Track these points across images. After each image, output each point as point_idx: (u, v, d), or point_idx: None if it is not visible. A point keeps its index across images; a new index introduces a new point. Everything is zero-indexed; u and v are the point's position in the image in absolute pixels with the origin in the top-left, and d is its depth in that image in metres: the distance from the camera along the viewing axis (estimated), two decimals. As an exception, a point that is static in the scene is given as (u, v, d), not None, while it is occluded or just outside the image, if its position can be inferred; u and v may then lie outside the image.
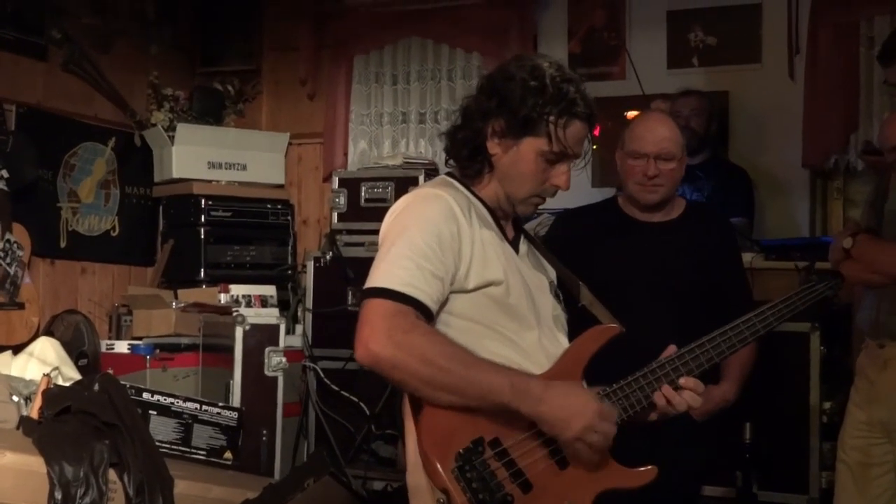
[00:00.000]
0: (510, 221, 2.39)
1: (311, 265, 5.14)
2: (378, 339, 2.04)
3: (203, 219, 5.44)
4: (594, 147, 5.41)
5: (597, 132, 5.43)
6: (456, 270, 2.16)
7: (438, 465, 2.05)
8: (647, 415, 2.32)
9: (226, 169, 5.63)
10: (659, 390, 2.27)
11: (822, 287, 2.53)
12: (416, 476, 2.14)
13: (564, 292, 2.46)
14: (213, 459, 4.08)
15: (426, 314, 2.10)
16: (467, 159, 2.30)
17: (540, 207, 4.89)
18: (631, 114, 5.22)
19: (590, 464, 2.15)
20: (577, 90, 2.25)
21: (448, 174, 2.39)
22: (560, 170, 2.28)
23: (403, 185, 4.86)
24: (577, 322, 2.43)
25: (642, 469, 2.23)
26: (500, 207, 2.34)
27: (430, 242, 2.12)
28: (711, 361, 2.34)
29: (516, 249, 2.36)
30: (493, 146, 2.27)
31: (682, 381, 2.29)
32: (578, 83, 2.27)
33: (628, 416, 2.26)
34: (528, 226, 4.52)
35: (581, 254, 3.17)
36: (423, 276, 2.09)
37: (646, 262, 3.31)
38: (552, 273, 2.46)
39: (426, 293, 2.09)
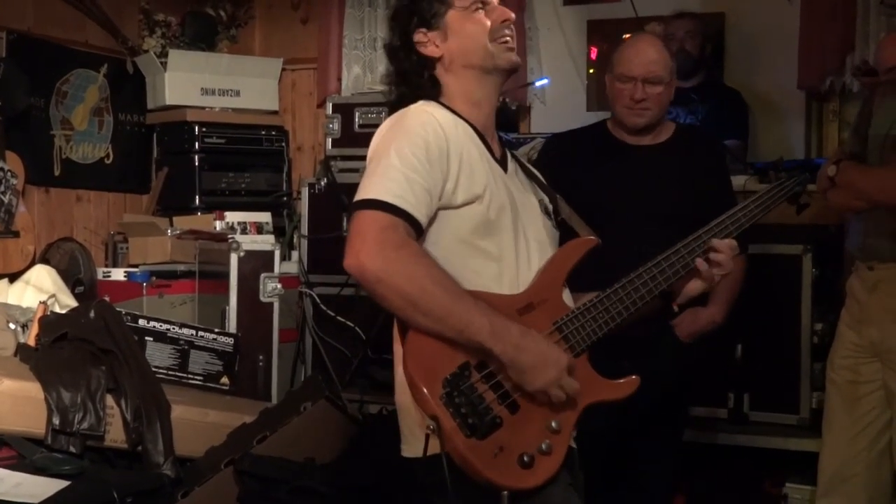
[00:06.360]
0: (497, 141, 2.38)
1: (305, 191, 5.13)
2: (369, 250, 2.03)
3: (197, 146, 5.42)
4: (590, 71, 5.42)
5: (594, 56, 5.44)
6: (444, 185, 2.15)
7: (427, 392, 2.06)
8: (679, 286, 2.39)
9: (219, 95, 5.59)
10: (699, 256, 2.35)
11: (790, 183, 2.55)
12: (403, 396, 2.16)
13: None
14: (209, 385, 4.12)
15: (416, 228, 2.10)
16: (425, 79, 2.32)
17: (533, 132, 4.86)
18: (627, 37, 5.17)
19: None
20: None
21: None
22: (491, 7, 2.32)
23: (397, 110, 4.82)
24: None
25: (625, 380, 2.26)
26: (482, 121, 2.33)
27: (418, 155, 2.12)
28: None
29: (504, 168, 2.35)
30: (431, 48, 2.30)
31: (714, 242, 2.35)
32: None
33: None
34: (522, 150, 4.51)
35: (570, 177, 3.16)
36: (412, 188, 2.09)
37: (634, 186, 3.32)
38: (542, 194, 2.45)
39: (416, 207, 2.09)
